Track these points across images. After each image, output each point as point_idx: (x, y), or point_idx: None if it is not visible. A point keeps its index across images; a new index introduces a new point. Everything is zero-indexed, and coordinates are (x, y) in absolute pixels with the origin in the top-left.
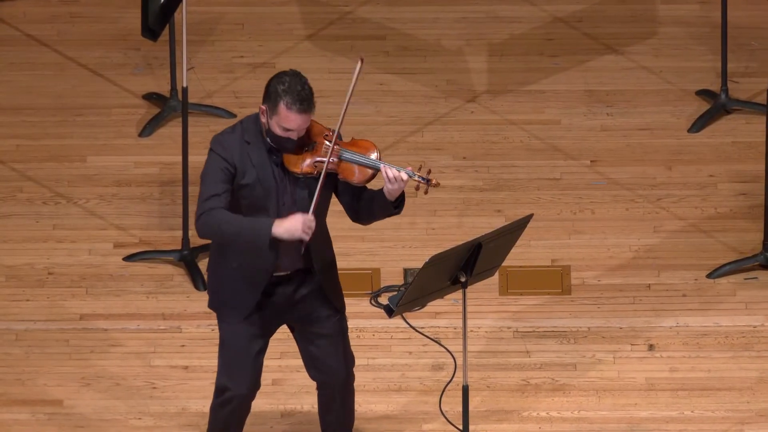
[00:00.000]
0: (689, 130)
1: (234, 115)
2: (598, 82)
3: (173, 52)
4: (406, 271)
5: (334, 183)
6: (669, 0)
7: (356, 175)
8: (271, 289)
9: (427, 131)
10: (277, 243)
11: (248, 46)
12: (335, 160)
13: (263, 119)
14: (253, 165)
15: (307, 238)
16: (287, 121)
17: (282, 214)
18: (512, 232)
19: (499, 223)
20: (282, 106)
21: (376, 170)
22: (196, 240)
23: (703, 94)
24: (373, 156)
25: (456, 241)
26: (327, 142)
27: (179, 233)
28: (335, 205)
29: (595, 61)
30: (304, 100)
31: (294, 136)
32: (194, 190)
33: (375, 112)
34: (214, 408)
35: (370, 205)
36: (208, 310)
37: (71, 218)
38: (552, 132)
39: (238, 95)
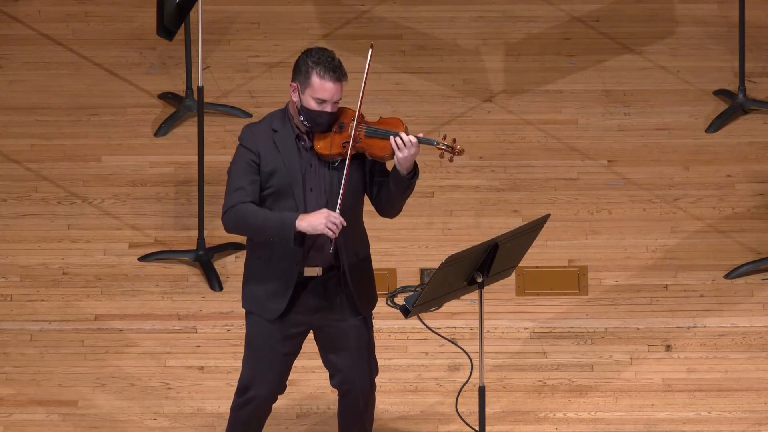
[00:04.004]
0: (707, 130)
1: (250, 115)
2: (615, 82)
3: (189, 52)
4: (422, 271)
5: (363, 170)
6: None
7: (380, 149)
8: (302, 291)
9: (444, 131)
10: (303, 237)
11: (264, 46)
12: (360, 137)
13: (294, 97)
14: (279, 151)
15: (330, 233)
16: (322, 91)
17: (308, 200)
18: (529, 232)
19: (515, 223)
20: (315, 77)
21: None
22: (211, 240)
23: (721, 93)
24: (399, 130)
25: (473, 242)
26: (353, 122)
27: (194, 233)
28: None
29: (613, 60)
30: (336, 68)
31: (328, 108)
32: (210, 190)
33: (392, 112)
34: (235, 408)
35: (388, 187)
36: (224, 310)
37: (86, 218)
38: (569, 132)
39: (254, 95)
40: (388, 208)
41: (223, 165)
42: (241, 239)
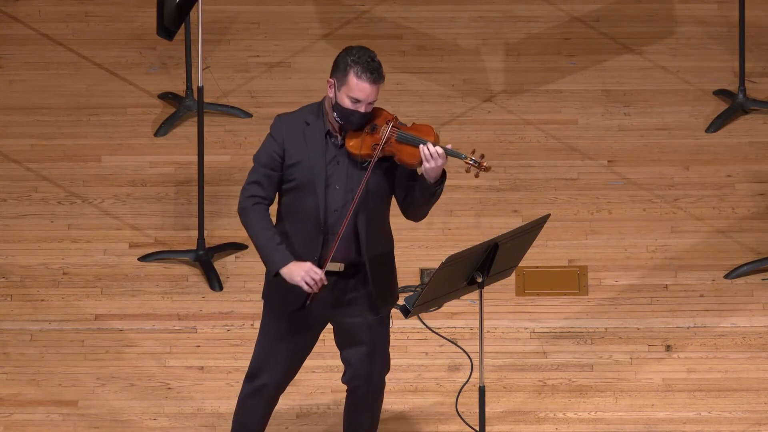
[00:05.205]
0: (707, 130)
1: (250, 115)
2: (615, 82)
3: (189, 52)
4: (422, 271)
5: (393, 172)
6: None
7: (409, 156)
8: (321, 286)
9: (444, 131)
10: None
11: (264, 46)
12: (391, 141)
13: (330, 93)
14: (306, 145)
15: (306, 287)
16: (357, 90)
17: (329, 197)
18: (529, 232)
19: (515, 223)
20: (352, 76)
21: None
22: (211, 240)
23: (721, 93)
24: (430, 139)
25: (473, 242)
26: (387, 125)
27: (194, 233)
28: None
29: (613, 60)
30: (374, 70)
31: (362, 108)
32: (210, 190)
33: (392, 112)
34: (242, 397)
35: (414, 193)
36: (224, 310)
37: (86, 218)
38: (569, 132)
39: (254, 95)
40: (414, 212)
41: (223, 165)
42: (241, 239)
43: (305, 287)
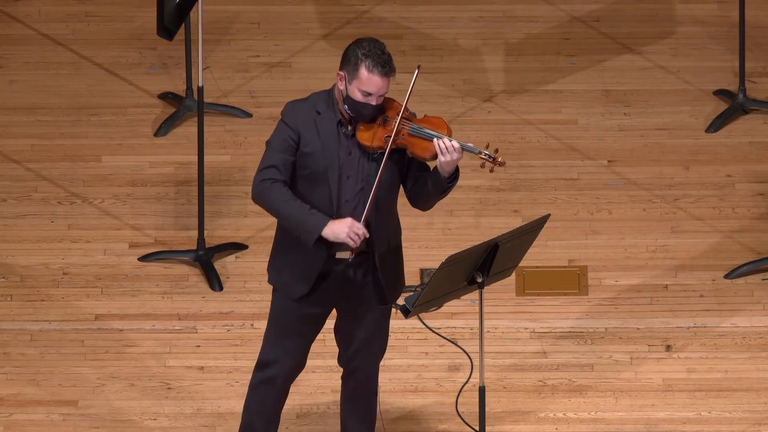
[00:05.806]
0: (707, 130)
1: (250, 115)
2: (615, 82)
3: (189, 52)
4: (422, 271)
5: (403, 162)
6: None
7: (421, 149)
8: (330, 273)
9: None
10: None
11: (264, 46)
12: (403, 134)
13: (341, 86)
14: (319, 135)
15: (351, 243)
16: (368, 84)
17: (343, 187)
18: (529, 232)
19: (516, 223)
20: (363, 69)
21: None
22: (211, 240)
23: (721, 93)
24: (443, 132)
25: (473, 242)
26: (398, 117)
27: (194, 233)
28: None
29: (613, 60)
30: (386, 63)
31: (373, 101)
32: (210, 190)
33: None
34: (253, 386)
35: (425, 183)
36: (224, 310)
37: (86, 218)
38: (569, 132)
39: (254, 95)
40: (422, 203)
41: (223, 165)
42: (241, 239)
43: (351, 243)
